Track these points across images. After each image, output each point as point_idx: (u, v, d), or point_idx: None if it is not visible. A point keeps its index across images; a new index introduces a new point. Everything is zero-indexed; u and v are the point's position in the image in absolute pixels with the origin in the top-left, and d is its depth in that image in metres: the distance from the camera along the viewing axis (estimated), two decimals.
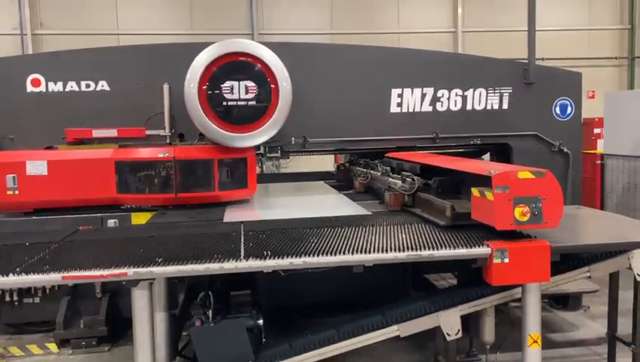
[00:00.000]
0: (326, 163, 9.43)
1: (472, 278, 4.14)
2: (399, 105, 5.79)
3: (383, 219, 4.40)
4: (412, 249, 3.36)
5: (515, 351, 4.35)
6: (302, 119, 5.47)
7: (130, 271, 3.06)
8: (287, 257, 3.24)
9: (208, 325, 3.82)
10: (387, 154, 6.03)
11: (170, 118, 5.36)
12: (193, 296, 4.36)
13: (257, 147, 5.36)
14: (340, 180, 7.19)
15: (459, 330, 3.93)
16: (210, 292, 4.17)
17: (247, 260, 3.22)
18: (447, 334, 3.92)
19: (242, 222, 4.30)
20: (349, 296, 4.97)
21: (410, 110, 5.80)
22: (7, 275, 2.95)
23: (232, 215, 4.79)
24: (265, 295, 4.90)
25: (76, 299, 5.27)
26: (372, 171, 6.00)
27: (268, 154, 5.81)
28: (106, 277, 3.03)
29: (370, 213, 4.69)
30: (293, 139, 5.61)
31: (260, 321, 3.99)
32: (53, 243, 3.74)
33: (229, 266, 3.17)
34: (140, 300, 3.29)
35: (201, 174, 5.03)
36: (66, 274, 2.98)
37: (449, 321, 3.92)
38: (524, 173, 3.43)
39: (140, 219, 5.03)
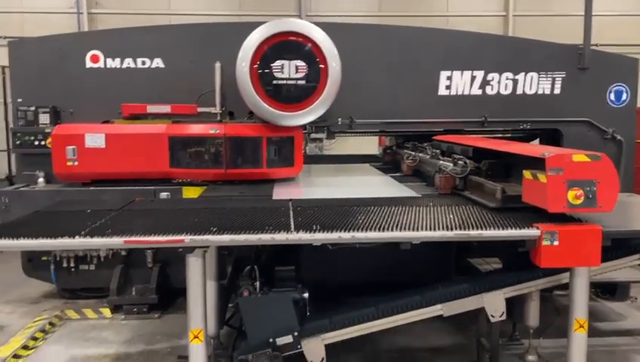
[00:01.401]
0: (369, 146, 9.43)
1: (517, 262, 4.15)
2: (448, 87, 5.75)
3: (431, 200, 4.41)
4: (460, 229, 3.37)
5: (558, 337, 4.35)
6: (349, 100, 5.50)
7: (187, 238, 3.19)
8: (336, 231, 3.31)
9: (256, 296, 3.95)
10: (435, 137, 6.00)
11: (220, 95, 5.49)
12: (239, 269, 4.50)
13: (304, 127, 5.44)
14: (386, 163, 7.19)
15: (503, 312, 3.93)
16: (255, 266, 4.32)
17: (297, 232, 3.30)
18: (492, 316, 3.93)
19: (290, 199, 4.40)
20: (391, 277, 5.02)
21: (459, 93, 5.76)
22: (74, 237, 3.13)
23: (279, 192, 4.89)
24: (307, 272, 5.01)
25: (129, 268, 5.51)
26: (420, 154, 5.99)
27: (313, 135, 5.89)
28: (164, 243, 3.17)
29: (420, 195, 4.72)
30: (340, 119, 5.66)
31: (306, 295, 4.08)
32: (113, 210, 3.92)
33: (280, 238, 3.26)
34: (194, 267, 3.43)
35: (250, 151, 5.15)
36: (127, 238, 3.14)
37: (493, 303, 3.93)
38: (579, 156, 3.38)
39: (190, 193, 5.19)
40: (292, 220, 3.61)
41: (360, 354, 4.42)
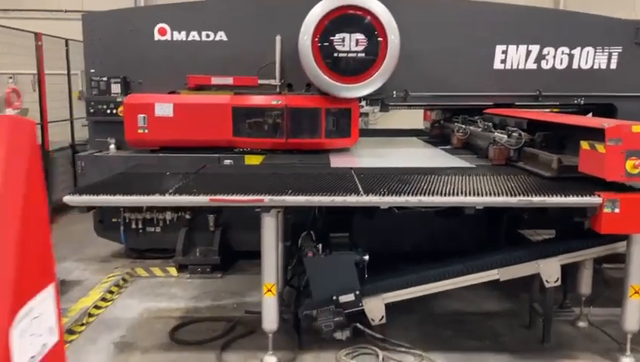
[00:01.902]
0: (412, 121, 9.51)
1: (571, 231, 4.29)
2: (503, 61, 5.82)
3: (487, 170, 4.56)
4: (523, 195, 3.53)
5: (609, 307, 4.49)
6: (404, 72, 5.63)
7: (266, 198, 3.45)
8: (404, 195, 3.51)
9: (320, 256, 4.20)
10: (486, 111, 6.10)
11: (280, 68, 5.70)
12: (296, 234, 4.75)
13: (358, 100, 5.62)
14: (434, 136, 7.32)
15: (558, 278, 4.09)
16: (312, 232, 4.59)
17: (367, 195, 3.52)
18: (547, 281, 4.09)
19: (351, 168, 4.61)
20: (440, 247, 5.21)
21: (514, 67, 5.83)
22: (164, 195, 3.43)
23: (336, 161, 5.11)
24: (359, 240, 5.24)
25: (192, 231, 5.84)
26: (471, 127, 6.11)
27: (366, 107, 6.05)
28: (246, 202, 3.43)
29: (474, 166, 4.87)
30: (394, 92, 5.81)
31: (366, 257, 4.30)
32: (190, 173, 4.21)
33: (351, 200, 3.49)
34: (269, 226, 3.69)
35: (310, 122, 5.38)
36: (212, 197, 3.42)
37: (549, 269, 4.08)
38: (639, 127, 3.48)
39: (251, 160, 5.46)
40: (359, 184, 3.82)
41: (414, 316, 4.64)
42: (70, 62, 8.45)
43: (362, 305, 4.13)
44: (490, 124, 5.75)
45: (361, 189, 3.66)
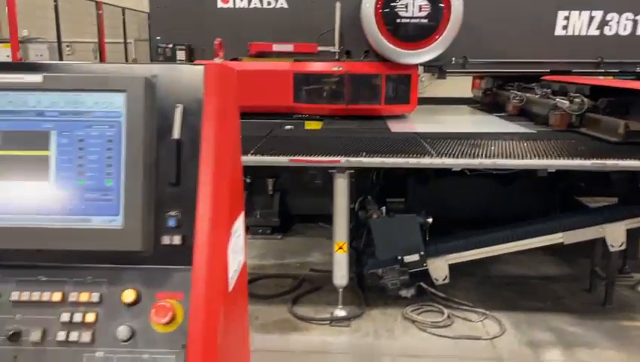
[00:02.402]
0: (457, 90, 9.43)
1: (634, 197, 4.33)
2: (565, 27, 5.76)
3: (550, 135, 4.60)
4: (595, 158, 3.57)
5: None
6: (463, 39, 5.61)
7: (342, 160, 3.59)
8: (477, 158, 3.60)
9: (385, 218, 4.34)
10: (545, 78, 6.07)
11: (340, 35, 5.76)
12: (354, 199, 4.89)
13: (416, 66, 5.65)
14: (486, 104, 7.30)
15: (623, 243, 4.14)
16: (369, 197, 4.73)
17: (440, 157, 3.62)
18: (611, 246, 4.15)
19: (415, 132, 4.70)
20: (495, 214, 5.27)
21: (576, 33, 5.76)
22: (247, 155, 3.60)
23: (395, 126, 5.20)
24: (415, 205, 5.35)
25: (252, 195, 6.04)
26: (527, 94, 6.09)
27: (423, 74, 6.08)
28: (324, 163, 3.58)
29: (535, 131, 4.90)
30: (453, 58, 5.82)
31: (429, 220, 4.43)
32: (262, 136, 4.38)
33: (425, 161, 3.60)
34: (341, 186, 3.83)
35: (370, 88, 5.46)
36: (292, 158, 3.57)
37: (614, 233, 4.13)
38: None
39: (311, 126, 5.59)
40: (428, 147, 3.93)
41: (473, 279, 4.77)
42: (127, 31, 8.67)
43: (426, 266, 4.28)
44: (548, 90, 5.74)
45: (432, 151, 3.76)
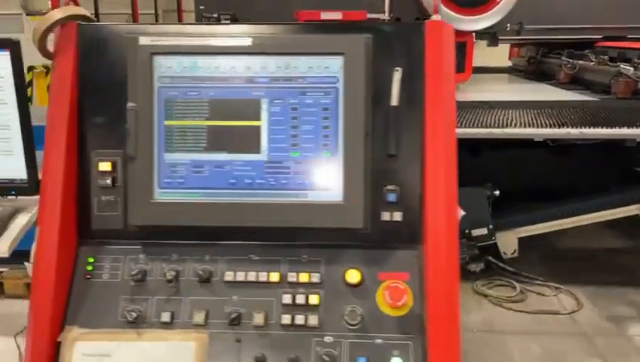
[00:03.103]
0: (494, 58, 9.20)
1: None
2: None
3: (618, 103, 4.43)
4: None
5: None
6: (517, 4, 5.40)
7: None
8: (564, 127, 3.46)
9: None
10: (598, 44, 5.86)
11: (390, 2, 5.56)
12: None
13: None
14: (530, 73, 7.10)
15: None
16: None
17: (520, 127, 3.48)
18: None
19: (481, 101, 4.52)
20: (552, 185, 5.13)
21: None
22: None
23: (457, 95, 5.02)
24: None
25: None
26: (580, 61, 5.89)
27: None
28: None
29: (598, 99, 4.73)
30: (508, 25, 5.61)
31: (497, 192, 4.31)
32: None
33: (511, 131, 3.45)
34: None
35: None
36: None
37: None
38: None
39: None
40: (500, 117, 3.77)
41: (536, 252, 4.66)
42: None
43: (495, 239, 4.18)
44: (605, 57, 5.54)
45: (507, 121, 3.62)
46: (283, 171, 1.50)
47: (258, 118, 1.50)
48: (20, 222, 1.92)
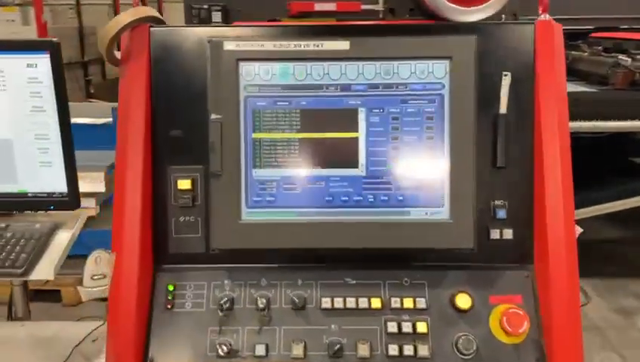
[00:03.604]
0: None
1: None
2: None
3: (617, 95, 4.41)
4: None
5: None
6: None
7: None
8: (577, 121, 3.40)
9: None
10: (594, 35, 5.86)
11: None
12: None
13: None
14: None
15: None
16: None
17: None
18: None
19: None
20: None
21: None
22: None
23: None
24: None
25: None
26: (573, 52, 5.88)
27: None
28: None
29: (596, 90, 4.71)
30: (503, 16, 5.56)
31: None
32: None
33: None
34: None
35: None
36: None
37: None
38: None
39: None
40: None
41: None
42: None
43: None
44: (599, 48, 5.54)
45: None
46: (383, 187, 1.38)
47: (355, 130, 1.38)
48: (62, 240, 1.80)
